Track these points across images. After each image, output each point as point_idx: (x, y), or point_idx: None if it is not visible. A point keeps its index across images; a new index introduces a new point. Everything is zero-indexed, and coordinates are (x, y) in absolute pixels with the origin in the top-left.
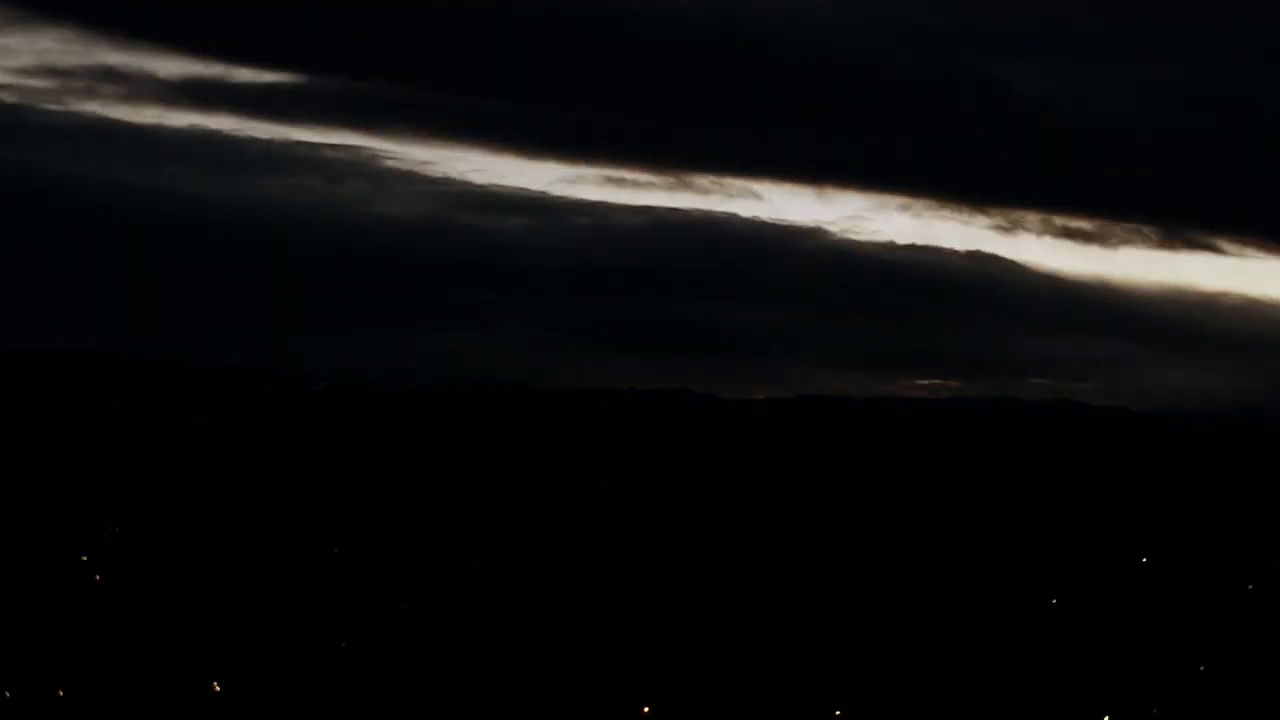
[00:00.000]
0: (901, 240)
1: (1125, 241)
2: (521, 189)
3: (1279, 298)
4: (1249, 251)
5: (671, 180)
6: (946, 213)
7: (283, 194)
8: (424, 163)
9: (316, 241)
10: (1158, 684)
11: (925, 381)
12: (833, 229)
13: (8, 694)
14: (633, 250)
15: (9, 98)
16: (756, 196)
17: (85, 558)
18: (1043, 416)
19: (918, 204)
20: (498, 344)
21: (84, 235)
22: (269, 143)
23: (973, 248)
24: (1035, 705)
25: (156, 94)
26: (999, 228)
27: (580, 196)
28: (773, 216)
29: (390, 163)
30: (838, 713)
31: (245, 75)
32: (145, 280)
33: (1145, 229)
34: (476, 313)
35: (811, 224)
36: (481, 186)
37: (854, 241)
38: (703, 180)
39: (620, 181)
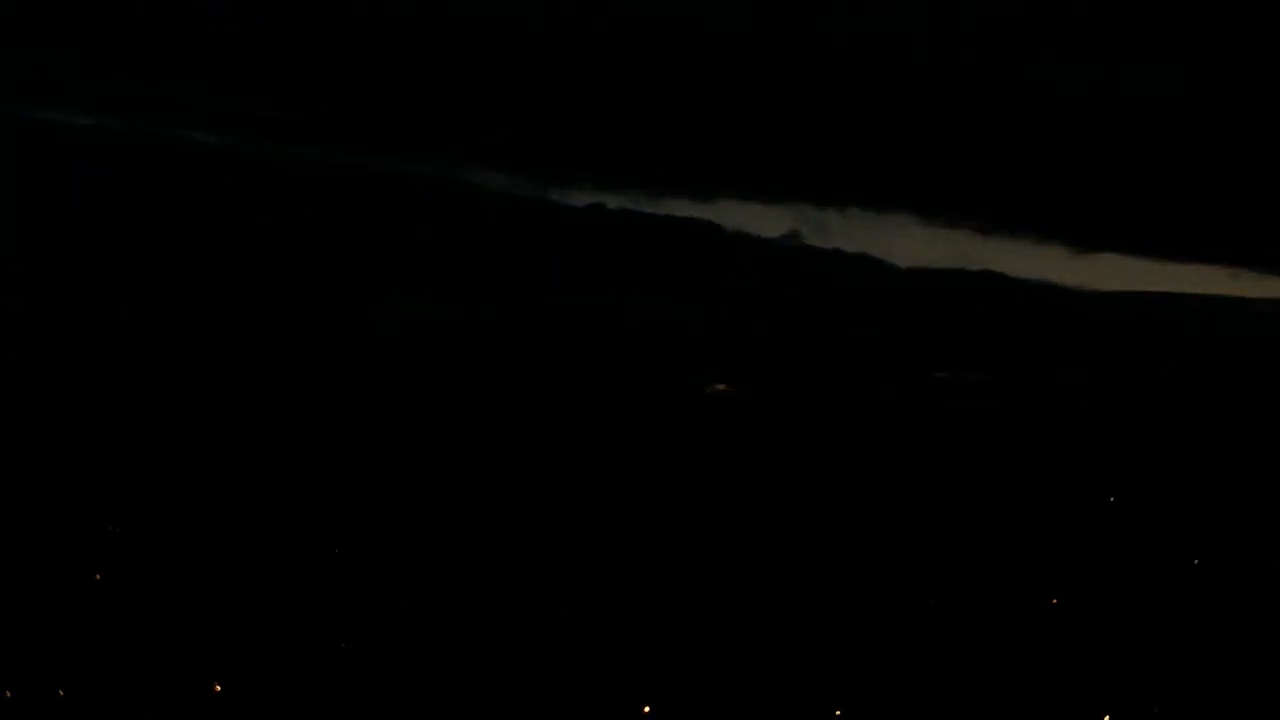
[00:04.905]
0: None
1: None
2: None
3: None
4: None
5: None
6: None
7: None
8: None
9: None
10: (1158, 684)
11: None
12: None
13: (8, 694)
14: None
15: None
16: None
17: (85, 557)
18: (1042, 408)
19: None
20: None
21: None
22: None
23: None
24: (1035, 705)
25: None
26: None
27: None
28: None
29: None
30: (838, 713)
31: None
32: None
33: None
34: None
35: None
36: None
37: None
38: None
39: None
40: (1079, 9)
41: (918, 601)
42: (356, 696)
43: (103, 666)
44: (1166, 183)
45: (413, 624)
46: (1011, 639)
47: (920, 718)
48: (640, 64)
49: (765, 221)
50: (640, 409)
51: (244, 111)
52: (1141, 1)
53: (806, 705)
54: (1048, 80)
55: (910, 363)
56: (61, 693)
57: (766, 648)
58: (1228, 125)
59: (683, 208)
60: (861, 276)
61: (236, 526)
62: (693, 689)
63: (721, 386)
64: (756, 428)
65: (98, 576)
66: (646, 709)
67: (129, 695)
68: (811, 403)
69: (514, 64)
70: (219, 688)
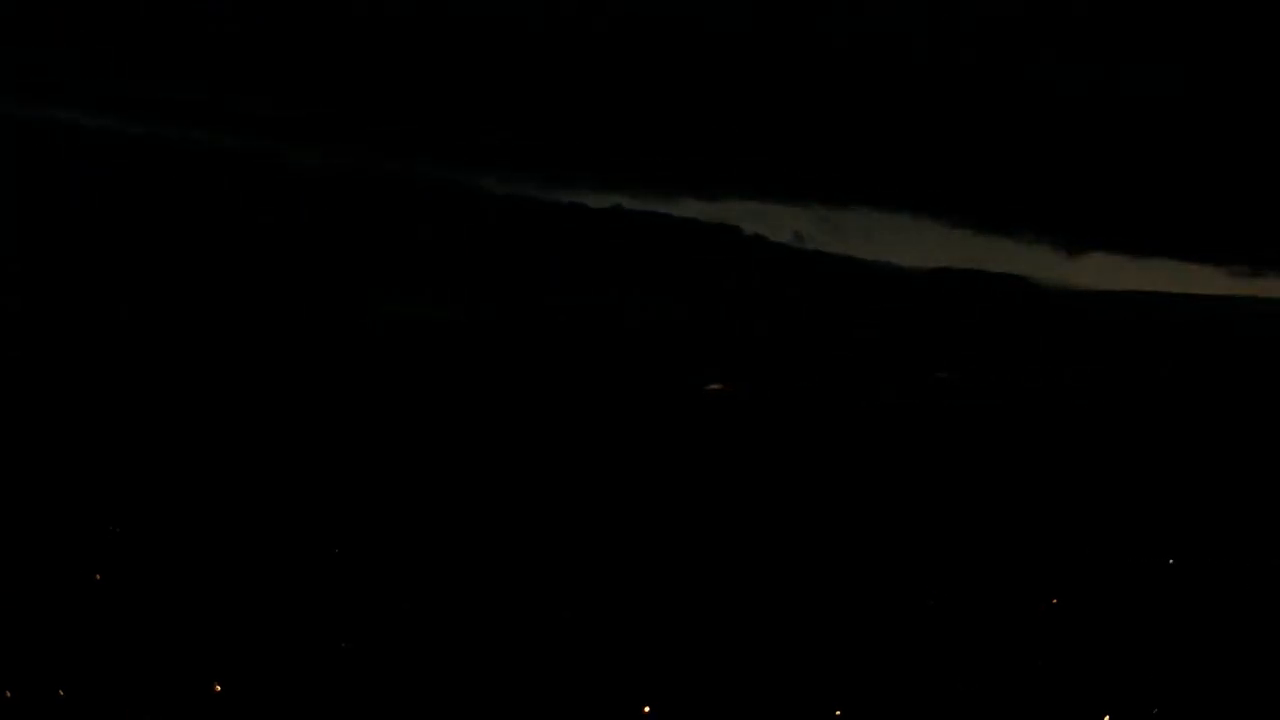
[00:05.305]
0: None
1: None
2: None
3: None
4: None
5: None
6: None
7: None
8: None
9: None
10: (1158, 684)
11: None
12: None
13: (8, 694)
14: None
15: None
16: None
17: (85, 557)
18: (1042, 408)
19: None
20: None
21: None
22: None
23: None
24: (1035, 705)
25: None
26: None
27: None
28: None
29: None
30: (838, 713)
31: None
32: None
33: None
34: None
35: None
36: None
37: None
38: None
39: None
40: (1079, 9)
41: (918, 601)
42: (356, 696)
43: (103, 666)
44: (1167, 183)
45: (413, 624)
46: (1011, 639)
47: (920, 718)
48: (642, 65)
49: (769, 221)
50: (640, 408)
51: (244, 111)
52: (1141, 1)
53: (806, 705)
54: (1048, 80)
55: (911, 362)
56: (61, 693)
57: (766, 648)
58: (1227, 125)
59: (687, 208)
60: (864, 276)
61: (236, 526)
62: (693, 689)
63: (720, 386)
64: (756, 427)
65: (98, 576)
66: (646, 709)
67: (129, 695)
68: (812, 402)
69: (514, 65)
70: (219, 688)
